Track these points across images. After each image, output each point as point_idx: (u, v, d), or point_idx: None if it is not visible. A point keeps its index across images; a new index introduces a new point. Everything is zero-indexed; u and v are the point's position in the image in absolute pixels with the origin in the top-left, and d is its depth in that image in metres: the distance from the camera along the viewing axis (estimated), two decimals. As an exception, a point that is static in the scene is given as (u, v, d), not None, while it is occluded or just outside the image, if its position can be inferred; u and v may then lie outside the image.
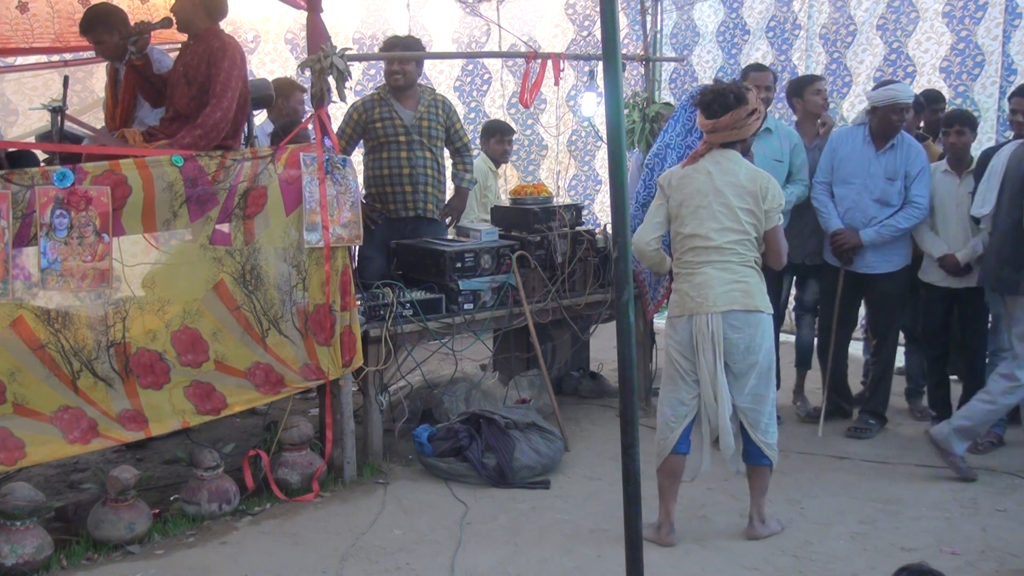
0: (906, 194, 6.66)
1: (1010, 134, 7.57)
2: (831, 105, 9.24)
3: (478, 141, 8.89)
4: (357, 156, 10.27)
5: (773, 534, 5.27)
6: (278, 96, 7.41)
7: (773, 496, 5.79)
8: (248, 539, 5.19)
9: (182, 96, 5.72)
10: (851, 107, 9.13)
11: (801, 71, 9.46)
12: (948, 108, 7.80)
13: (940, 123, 7.18)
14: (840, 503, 5.74)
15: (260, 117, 7.32)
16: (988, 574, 4.85)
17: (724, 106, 5.08)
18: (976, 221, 6.52)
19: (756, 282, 5.13)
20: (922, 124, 7.51)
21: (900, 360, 7.51)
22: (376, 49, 10.22)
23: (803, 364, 7.55)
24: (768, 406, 5.17)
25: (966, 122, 6.76)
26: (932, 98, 7.65)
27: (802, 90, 7.30)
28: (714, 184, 5.12)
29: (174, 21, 5.85)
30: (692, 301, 5.12)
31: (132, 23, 6.07)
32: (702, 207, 5.12)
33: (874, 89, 6.90)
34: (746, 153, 5.27)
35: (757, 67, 7.35)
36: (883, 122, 6.64)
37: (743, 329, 5.06)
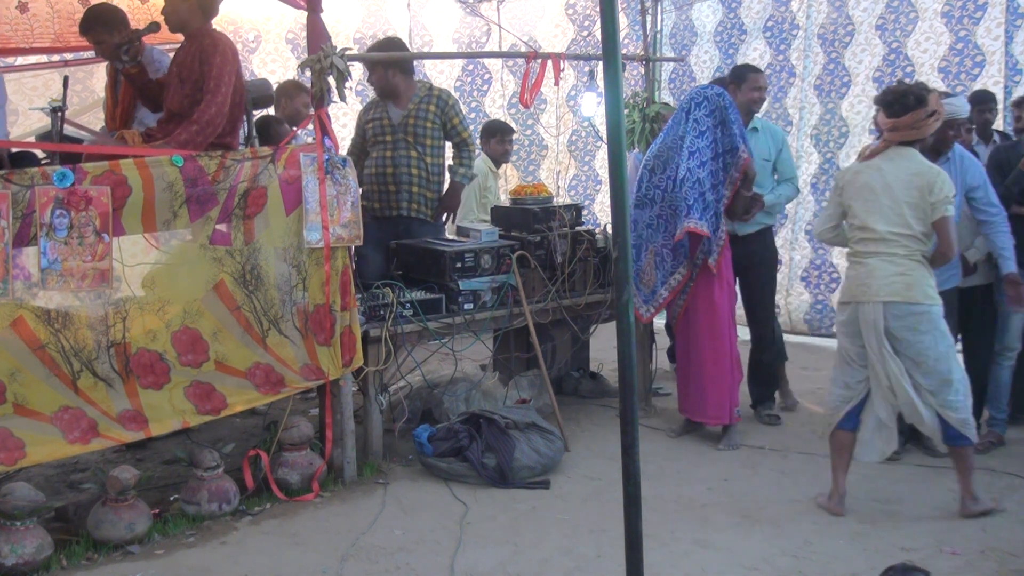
0: (975, 205, 6.30)
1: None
2: (830, 105, 9.27)
3: (478, 141, 8.89)
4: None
5: (987, 511, 5.42)
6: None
7: (772, 497, 5.82)
8: (248, 539, 5.19)
9: (176, 95, 5.72)
10: (850, 107, 9.14)
11: (799, 71, 9.48)
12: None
13: (990, 124, 7.27)
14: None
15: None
16: (988, 574, 4.85)
17: (905, 107, 5.33)
18: None
19: (920, 275, 5.34)
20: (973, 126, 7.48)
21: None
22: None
23: None
24: (955, 387, 5.35)
25: (969, 121, 6.79)
26: (981, 99, 7.58)
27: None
28: (884, 180, 5.39)
29: (161, 25, 5.84)
30: (857, 289, 5.44)
31: (132, 26, 6.07)
32: (870, 201, 5.41)
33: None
34: (925, 152, 5.55)
35: (754, 68, 7.31)
36: (939, 137, 6.17)
37: (904, 319, 5.31)
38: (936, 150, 6.26)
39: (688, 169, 6.53)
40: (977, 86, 8.36)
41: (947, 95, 6.47)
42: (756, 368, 7.40)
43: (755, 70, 7.29)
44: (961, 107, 6.41)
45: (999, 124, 8.01)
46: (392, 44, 7.23)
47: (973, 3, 8.42)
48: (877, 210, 5.39)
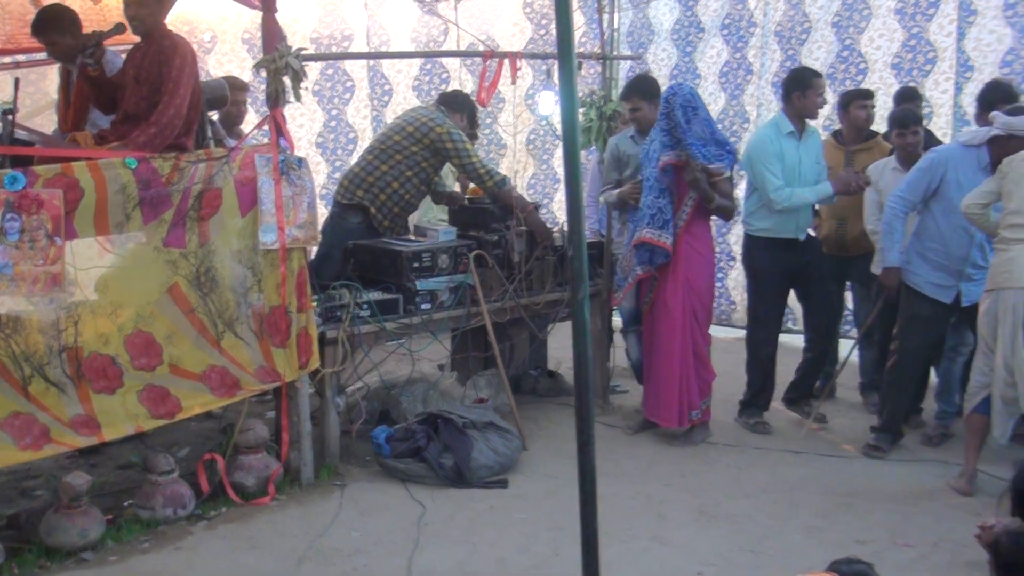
0: None
1: (967, 129, 7.67)
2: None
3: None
4: (317, 157, 10.28)
5: None
6: None
7: (731, 491, 5.85)
8: (204, 544, 5.15)
9: (132, 97, 5.67)
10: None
11: (756, 69, 9.52)
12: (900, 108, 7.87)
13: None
14: (796, 497, 5.80)
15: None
16: (941, 566, 4.91)
17: None
18: None
19: None
20: None
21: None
22: (333, 49, 10.24)
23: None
24: None
25: (918, 122, 6.86)
26: (909, 96, 7.64)
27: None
28: None
29: (127, 27, 5.79)
30: (1000, 276, 5.53)
31: (84, 27, 6.01)
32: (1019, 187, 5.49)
33: (1009, 114, 5.91)
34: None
35: (816, 73, 7.15)
36: (1016, 151, 5.80)
37: None
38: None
39: (648, 174, 6.61)
40: (929, 82, 8.44)
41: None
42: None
43: (817, 75, 7.08)
44: None
45: (950, 117, 8.12)
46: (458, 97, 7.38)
47: (925, 0, 8.50)
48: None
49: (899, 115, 7.01)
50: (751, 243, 7.06)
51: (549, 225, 7.33)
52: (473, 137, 8.23)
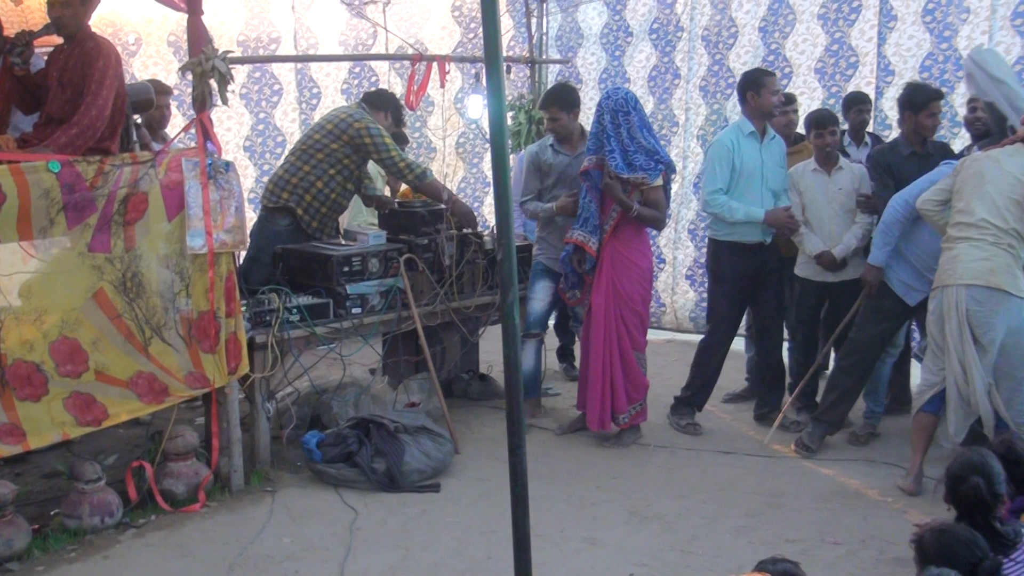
0: None
1: (889, 133, 7.80)
2: (715, 105, 9.42)
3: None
4: (245, 161, 10.20)
5: None
6: None
7: (662, 492, 5.90)
8: (132, 552, 5.09)
9: (56, 99, 5.59)
10: (734, 108, 9.28)
11: (684, 73, 9.60)
12: (818, 108, 8.01)
13: (865, 125, 7.57)
14: (726, 497, 5.86)
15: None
16: (868, 562, 4.99)
17: None
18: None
19: (1004, 263, 5.54)
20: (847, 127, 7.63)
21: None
22: (260, 52, 10.16)
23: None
24: (1016, 385, 5.55)
25: (835, 122, 6.98)
26: (857, 100, 7.73)
27: (921, 108, 6.59)
28: (997, 172, 5.60)
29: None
30: (944, 273, 5.68)
31: (5, 28, 5.91)
32: (978, 188, 5.61)
33: None
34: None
35: (769, 72, 7.20)
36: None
37: (986, 304, 5.51)
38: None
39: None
40: (851, 87, 8.56)
41: None
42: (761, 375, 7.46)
43: (770, 73, 7.12)
44: None
45: (872, 120, 8.24)
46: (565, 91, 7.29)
47: (848, 5, 8.62)
48: (980, 196, 5.59)
49: (816, 116, 7.13)
50: (716, 247, 7.07)
51: (479, 229, 7.33)
52: (401, 138, 8.22)
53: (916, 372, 7.03)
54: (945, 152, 6.71)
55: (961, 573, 3.25)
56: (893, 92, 8.03)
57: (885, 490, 5.95)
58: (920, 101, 6.58)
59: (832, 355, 7.24)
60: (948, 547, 3.38)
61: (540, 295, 7.15)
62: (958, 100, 7.88)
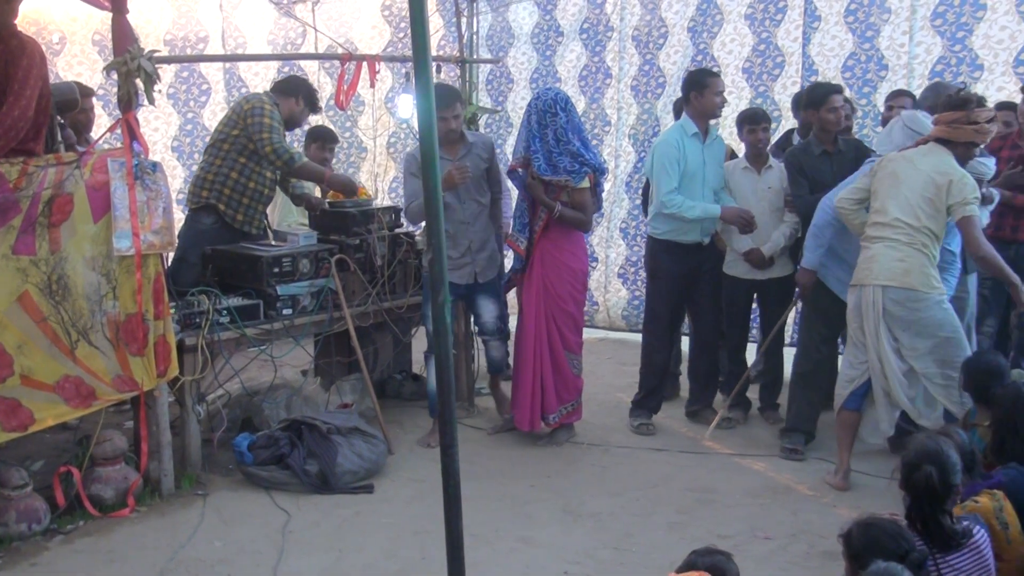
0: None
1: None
2: (646, 105, 9.48)
3: (296, 144, 8.78)
4: (173, 161, 10.08)
5: None
6: None
7: (595, 490, 5.92)
8: (60, 559, 5.01)
9: (-22, 100, 5.49)
10: (664, 107, 9.35)
11: (615, 72, 9.64)
12: (750, 106, 8.10)
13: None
14: (659, 494, 5.91)
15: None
16: (799, 556, 5.06)
17: (948, 105, 5.65)
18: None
19: (919, 263, 5.65)
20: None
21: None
22: (188, 51, 10.04)
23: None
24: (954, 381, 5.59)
25: (767, 119, 7.07)
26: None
27: (821, 104, 6.73)
28: (911, 171, 5.70)
29: None
30: (861, 272, 5.80)
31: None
32: (892, 188, 5.72)
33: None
34: (962, 160, 5.70)
35: (712, 73, 7.23)
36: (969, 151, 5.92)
37: (904, 304, 5.65)
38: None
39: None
40: (777, 87, 8.67)
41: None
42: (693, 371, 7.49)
43: (714, 74, 7.14)
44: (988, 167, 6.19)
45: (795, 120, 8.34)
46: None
47: (774, 6, 8.72)
48: (895, 196, 5.69)
49: (749, 112, 7.21)
50: (653, 245, 7.11)
51: (411, 229, 7.30)
52: (331, 137, 8.16)
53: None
54: (859, 149, 6.82)
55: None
56: (886, 88, 8.10)
57: (814, 485, 6.03)
58: (818, 97, 6.72)
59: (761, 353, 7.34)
60: (875, 540, 3.43)
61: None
62: (880, 99, 8.00)
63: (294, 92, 7.05)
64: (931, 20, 7.98)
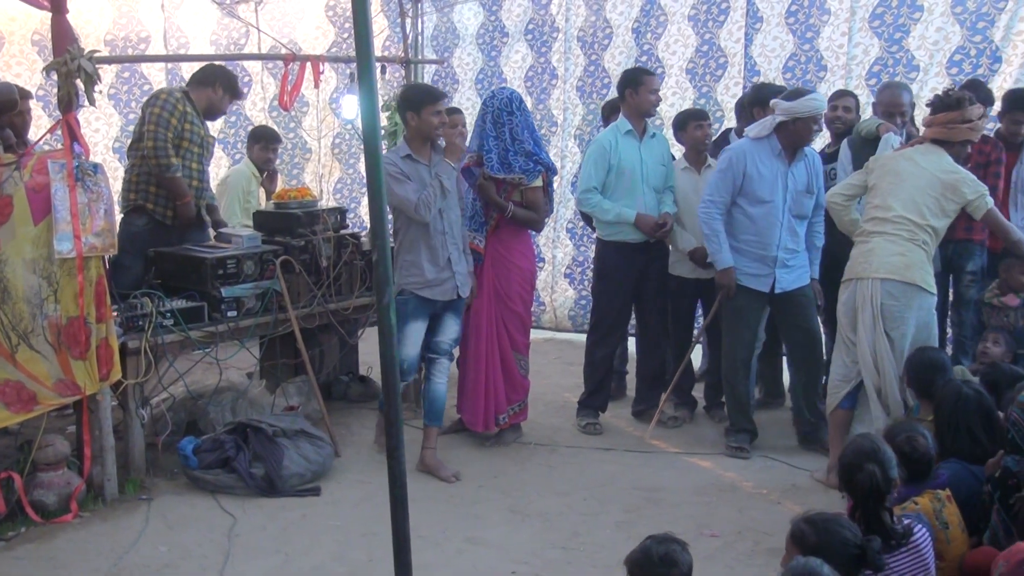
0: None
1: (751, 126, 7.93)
2: (592, 106, 9.52)
3: (240, 145, 8.71)
4: (115, 163, 9.97)
5: None
6: None
7: (542, 490, 5.94)
8: (2, 566, 4.94)
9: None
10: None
11: (560, 73, 9.67)
12: (694, 106, 8.17)
13: None
14: (606, 493, 5.93)
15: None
16: (745, 553, 5.11)
17: (942, 106, 5.72)
18: None
19: (919, 259, 5.69)
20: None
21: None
22: (129, 51, 9.95)
23: None
24: None
25: (708, 117, 7.14)
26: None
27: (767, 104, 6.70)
28: (914, 169, 5.75)
29: None
30: (859, 266, 5.79)
31: None
32: (895, 185, 5.76)
33: (787, 100, 6.33)
34: (958, 159, 5.80)
35: (647, 71, 7.27)
36: (804, 132, 6.33)
37: (899, 298, 5.66)
38: (798, 147, 6.38)
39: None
40: (720, 87, 8.75)
41: (802, 92, 6.45)
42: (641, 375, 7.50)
43: (649, 72, 7.18)
44: (821, 100, 6.47)
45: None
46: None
47: (717, 7, 8.79)
48: (898, 193, 5.72)
49: (693, 110, 7.28)
50: (602, 246, 7.15)
51: (357, 230, 7.27)
52: (273, 137, 8.11)
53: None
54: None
55: (841, 562, 3.30)
56: (824, 88, 8.17)
57: (760, 483, 6.09)
58: (763, 97, 6.78)
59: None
60: (832, 535, 3.42)
61: (413, 338, 6.30)
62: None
63: (210, 81, 6.96)
64: (869, 21, 8.09)
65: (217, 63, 7.26)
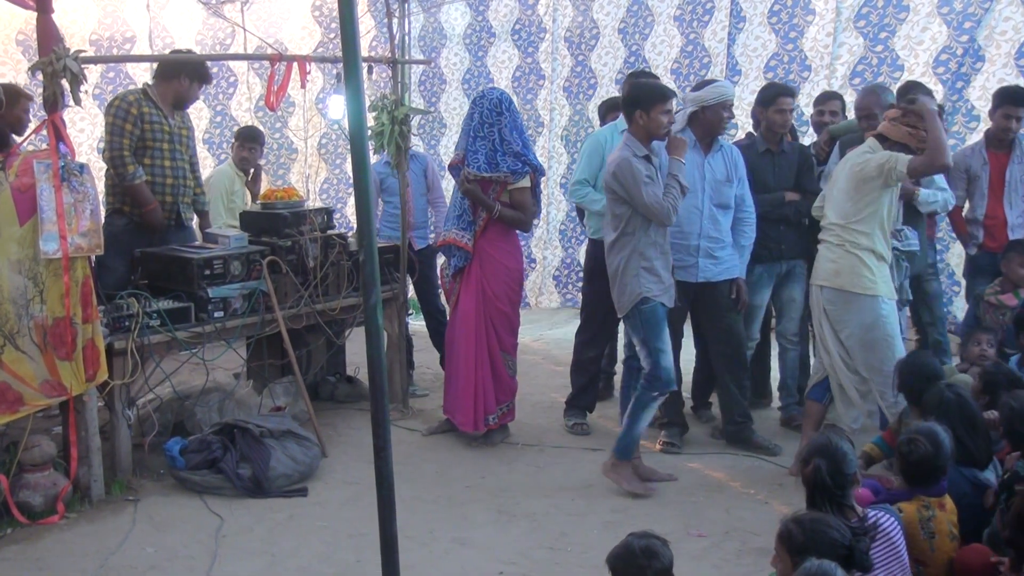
0: (738, 202, 6.51)
1: (735, 133, 7.98)
2: (578, 106, 9.53)
3: (225, 145, 8.70)
4: (100, 163, 9.94)
5: None
6: None
7: (530, 490, 5.94)
8: (-13, 567, 4.94)
9: None
10: (594, 109, 9.40)
11: (547, 73, 9.69)
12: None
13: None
14: (594, 493, 5.93)
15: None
16: (732, 553, 5.11)
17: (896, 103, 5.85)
18: None
19: (848, 264, 5.78)
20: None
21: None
22: (115, 51, 9.93)
23: None
24: (885, 379, 5.66)
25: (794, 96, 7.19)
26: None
27: (769, 103, 6.83)
28: (840, 170, 5.91)
29: None
30: (812, 273, 6.03)
31: None
32: (829, 191, 5.98)
33: (695, 90, 6.46)
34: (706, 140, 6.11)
35: (785, 90, 7.08)
36: (715, 121, 6.31)
37: (836, 303, 5.83)
38: (712, 135, 6.37)
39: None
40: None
41: (709, 82, 6.55)
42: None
43: (785, 91, 6.99)
44: (729, 87, 6.53)
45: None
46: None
47: (701, 7, 8.82)
48: (830, 199, 5.92)
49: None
50: (593, 246, 7.13)
51: (343, 230, 7.27)
52: (258, 137, 8.11)
53: (779, 364, 7.26)
54: (803, 155, 6.90)
55: (834, 561, 3.31)
56: (739, 91, 8.23)
57: (747, 482, 6.09)
58: (768, 97, 6.79)
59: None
60: (818, 534, 3.42)
61: (670, 345, 6.13)
62: (803, 100, 8.11)
63: (175, 74, 6.89)
64: (854, 21, 8.13)
65: (177, 53, 7.24)
